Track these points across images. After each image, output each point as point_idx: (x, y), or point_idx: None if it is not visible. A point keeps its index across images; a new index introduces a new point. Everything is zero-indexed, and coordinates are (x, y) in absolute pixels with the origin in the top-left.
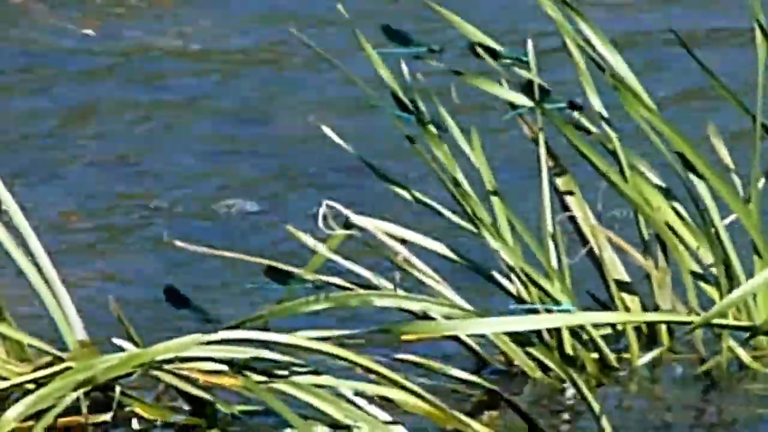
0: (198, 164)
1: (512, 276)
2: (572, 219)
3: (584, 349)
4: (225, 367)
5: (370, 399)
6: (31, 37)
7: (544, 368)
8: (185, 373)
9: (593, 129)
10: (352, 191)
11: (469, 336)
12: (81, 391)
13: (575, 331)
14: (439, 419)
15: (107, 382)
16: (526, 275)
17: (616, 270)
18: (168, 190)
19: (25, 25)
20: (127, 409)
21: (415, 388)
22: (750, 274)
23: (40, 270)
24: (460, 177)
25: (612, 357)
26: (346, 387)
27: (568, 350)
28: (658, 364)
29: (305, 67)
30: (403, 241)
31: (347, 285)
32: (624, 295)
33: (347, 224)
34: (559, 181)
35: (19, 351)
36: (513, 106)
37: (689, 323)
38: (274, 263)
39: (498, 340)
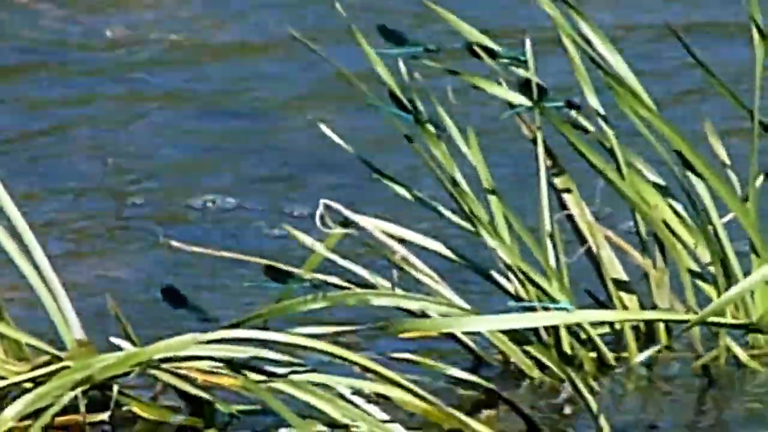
0: (182, 158)
1: (510, 275)
2: (570, 217)
3: (582, 347)
4: (223, 366)
5: (368, 398)
6: (14, 28)
7: (542, 367)
8: (184, 372)
9: (590, 128)
10: (342, 189)
11: (466, 335)
12: (79, 390)
13: (573, 330)
14: (437, 418)
15: (105, 381)
16: (524, 274)
17: (614, 269)
18: (149, 183)
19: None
20: (125, 408)
21: (413, 386)
22: (747, 272)
23: (37, 269)
24: (458, 176)
25: (610, 356)
26: (344, 386)
27: (566, 349)
28: (655, 362)
29: (293, 57)
30: (401, 240)
31: (345, 284)
32: (622, 293)
33: (345, 223)
34: (557, 180)
35: (17, 350)
36: (511, 105)
37: (687, 321)
38: (272, 263)
39: (496, 339)
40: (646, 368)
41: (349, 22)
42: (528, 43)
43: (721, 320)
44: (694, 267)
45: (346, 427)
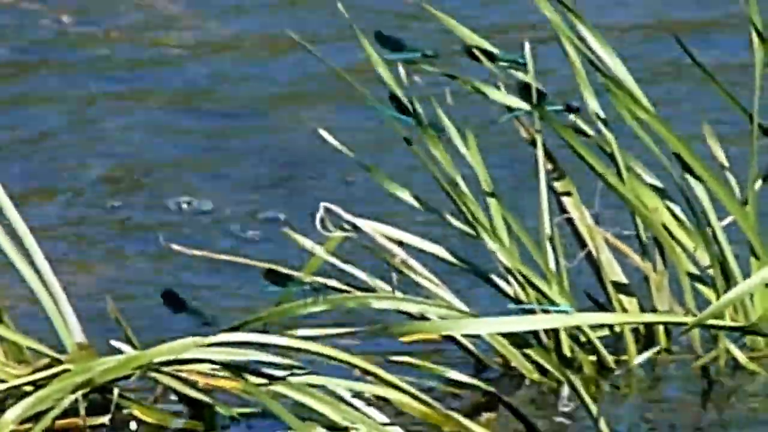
0: (166, 158)
1: (510, 278)
2: (569, 220)
3: (582, 350)
4: (224, 369)
5: (368, 400)
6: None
7: (542, 370)
8: (184, 375)
9: (590, 132)
10: (325, 190)
11: (466, 338)
12: (79, 393)
13: (573, 333)
14: (437, 420)
15: (105, 384)
16: (524, 277)
17: (614, 271)
18: (132, 183)
19: None
20: (126, 411)
21: (413, 389)
22: (747, 275)
23: (38, 272)
24: (458, 178)
25: (609, 358)
26: (344, 388)
27: (566, 352)
28: (655, 365)
29: (278, 56)
30: (400, 243)
31: (345, 287)
32: (621, 296)
33: (344, 227)
34: (557, 183)
35: (18, 353)
36: (510, 108)
37: (686, 324)
38: (273, 266)
39: (495, 342)
40: (645, 371)
41: (351, 23)
42: (527, 46)
43: (720, 323)
44: (694, 270)
45: (345, 429)
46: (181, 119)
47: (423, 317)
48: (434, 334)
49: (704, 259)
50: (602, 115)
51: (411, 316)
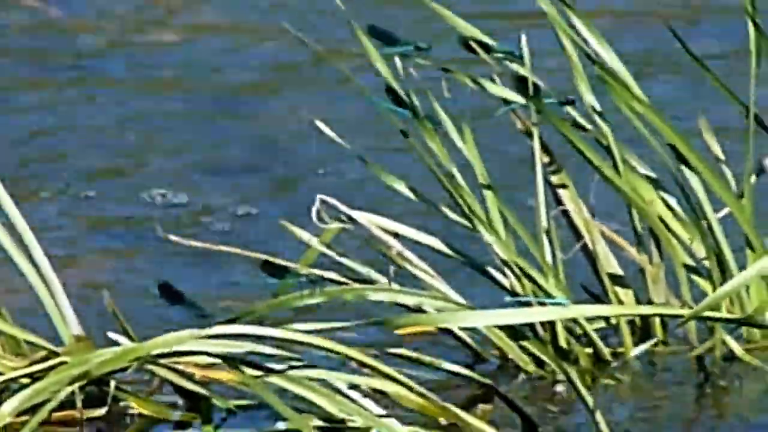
0: (136, 146)
1: (506, 270)
2: (565, 213)
3: (578, 343)
4: (220, 362)
5: (365, 393)
6: None
7: (539, 362)
8: (181, 367)
9: (587, 125)
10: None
11: (463, 330)
12: (76, 385)
13: (569, 325)
14: (433, 413)
15: (102, 376)
16: (520, 269)
17: (610, 264)
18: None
19: None
20: (122, 404)
21: (409, 381)
22: (742, 267)
23: (35, 265)
24: (454, 170)
25: (606, 351)
26: (341, 381)
27: (562, 344)
28: (651, 357)
29: (256, 41)
30: (396, 235)
31: (342, 279)
32: (617, 288)
33: (341, 218)
34: (553, 176)
35: (15, 346)
36: (506, 101)
37: (682, 316)
38: (270, 258)
39: (492, 335)
40: (641, 362)
41: (348, 18)
42: (524, 38)
43: (717, 315)
44: (690, 262)
45: (342, 421)
46: (159, 105)
47: (419, 309)
48: (431, 327)
49: (700, 250)
50: (598, 107)
51: (408, 309)
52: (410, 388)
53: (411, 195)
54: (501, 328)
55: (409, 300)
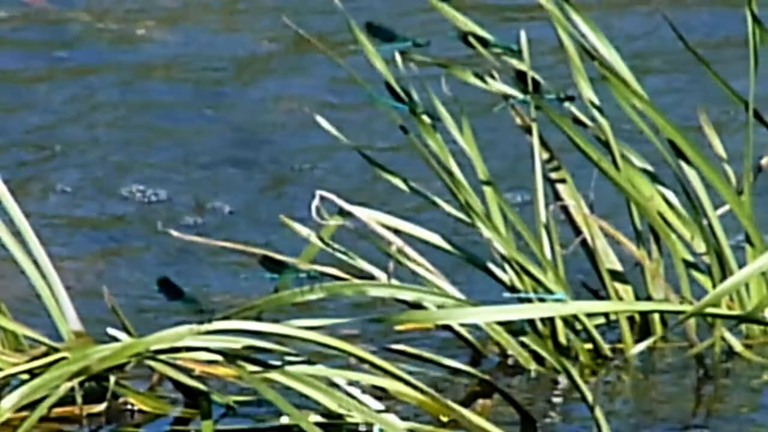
0: (114, 138)
1: (506, 266)
2: (565, 208)
3: (577, 338)
4: (219, 358)
5: (364, 389)
6: None
7: (538, 358)
8: (180, 363)
9: (587, 122)
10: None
11: (463, 326)
12: (75, 381)
13: (568, 321)
14: (432, 408)
15: (102, 372)
16: (520, 265)
17: (609, 260)
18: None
19: None
20: (122, 399)
21: (408, 377)
22: (741, 262)
23: (35, 261)
24: (453, 166)
25: (605, 346)
26: (340, 377)
27: (562, 340)
28: (651, 353)
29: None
30: (397, 232)
31: (342, 275)
32: (617, 284)
33: (341, 214)
34: (552, 171)
35: (15, 341)
36: (506, 96)
37: (682, 312)
38: (269, 253)
39: (492, 331)
40: (641, 358)
41: (347, 17)
42: (523, 34)
43: (718, 311)
44: (689, 257)
45: (340, 417)
46: (136, 95)
47: (419, 305)
48: (430, 323)
49: (699, 246)
50: (597, 102)
51: (408, 305)
52: (409, 384)
53: (403, 185)
54: (501, 324)
55: (409, 296)
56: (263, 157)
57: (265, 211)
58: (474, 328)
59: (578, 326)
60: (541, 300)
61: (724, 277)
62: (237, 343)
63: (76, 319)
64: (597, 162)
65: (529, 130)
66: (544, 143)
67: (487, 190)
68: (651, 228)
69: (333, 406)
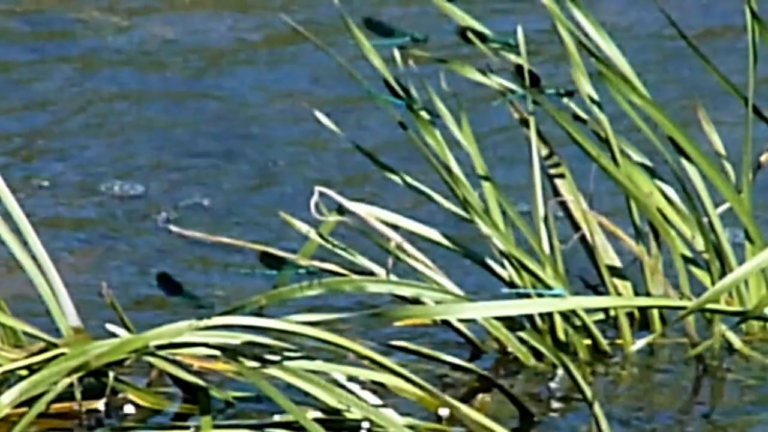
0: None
1: (505, 262)
2: (563, 204)
3: (576, 334)
4: (218, 353)
5: (363, 384)
6: None
7: (537, 354)
8: (179, 359)
9: (585, 116)
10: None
11: (462, 322)
12: (74, 377)
13: (567, 317)
14: (431, 404)
15: (100, 368)
16: (518, 261)
17: (608, 255)
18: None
19: None
20: (121, 395)
21: (407, 373)
22: (740, 258)
23: (33, 257)
24: (452, 162)
25: (604, 342)
26: (339, 372)
27: (561, 336)
28: (650, 349)
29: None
30: (396, 227)
31: (341, 271)
32: (616, 280)
33: (340, 210)
34: (551, 167)
35: (13, 337)
36: (502, 92)
37: (682, 308)
38: (269, 249)
39: (491, 327)
40: (639, 354)
41: (342, 13)
42: (520, 30)
43: (718, 307)
44: (688, 253)
45: (339, 412)
46: (120, 84)
47: (418, 301)
48: (429, 319)
49: (698, 242)
50: (596, 98)
51: (407, 300)
52: (408, 380)
53: (398, 179)
54: (499, 319)
55: (408, 291)
56: (249, 150)
57: (248, 205)
58: (473, 324)
59: (577, 322)
60: (540, 296)
61: (723, 274)
62: (236, 338)
63: (75, 315)
64: (596, 158)
65: (527, 124)
66: (543, 138)
67: (486, 186)
68: (650, 224)
69: (332, 401)
